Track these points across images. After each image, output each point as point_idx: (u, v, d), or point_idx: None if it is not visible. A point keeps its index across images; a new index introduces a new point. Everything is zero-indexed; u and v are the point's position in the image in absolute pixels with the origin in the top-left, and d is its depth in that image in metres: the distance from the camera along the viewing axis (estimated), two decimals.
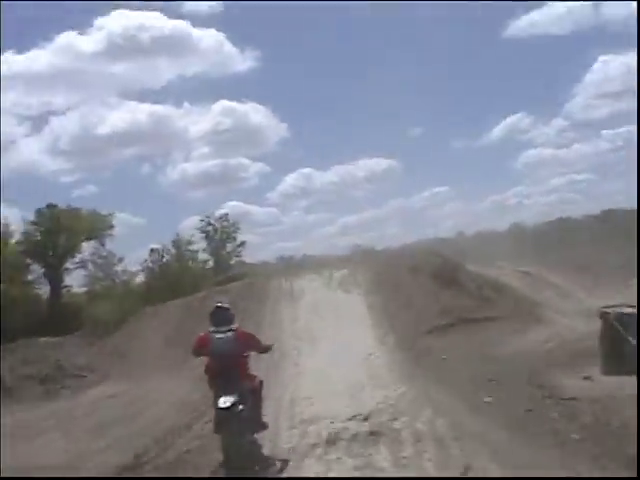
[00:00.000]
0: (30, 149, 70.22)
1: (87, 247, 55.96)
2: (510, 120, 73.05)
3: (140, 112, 72.27)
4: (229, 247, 60.00)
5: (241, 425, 9.17)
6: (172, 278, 57.67)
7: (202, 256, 59.95)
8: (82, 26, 77.89)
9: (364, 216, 70.81)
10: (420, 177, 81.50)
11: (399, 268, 23.84)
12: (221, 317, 9.84)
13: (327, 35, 79.82)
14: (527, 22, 71.64)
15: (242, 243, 60.64)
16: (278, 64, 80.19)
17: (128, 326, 24.97)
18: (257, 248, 75.32)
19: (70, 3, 74.37)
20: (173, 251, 60.77)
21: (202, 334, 9.95)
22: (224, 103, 70.54)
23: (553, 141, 76.24)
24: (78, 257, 55.41)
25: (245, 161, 71.70)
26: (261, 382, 10.21)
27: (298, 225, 72.08)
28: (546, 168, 76.79)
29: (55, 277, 53.42)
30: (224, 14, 74.17)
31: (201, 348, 9.87)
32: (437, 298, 21.19)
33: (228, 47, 77.18)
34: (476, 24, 74.98)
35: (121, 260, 59.45)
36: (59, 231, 53.13)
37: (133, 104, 73.97)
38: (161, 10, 78.31)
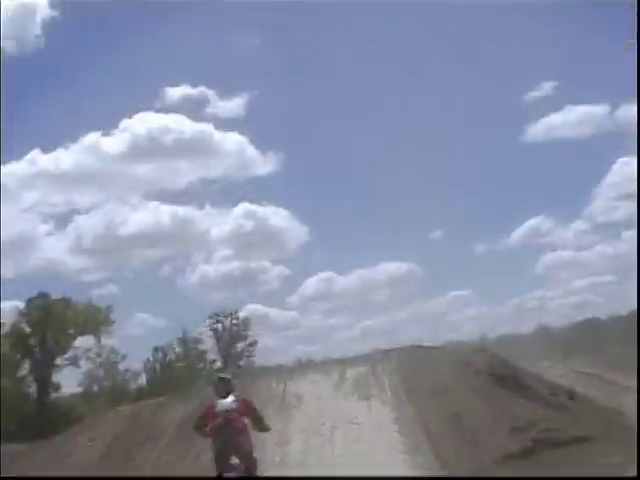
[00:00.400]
0: (53, 247, 67.67)
1: (82, 343, 49.44)
2: (530, 223, 68.77)
3: (162, 213, 68.80)
4: (239, 347, 54.49)
5: None
6: (174, 378, 51.71)
7: (210, 356, 54.27)
8: (107, 127, 75.79)
9: (383, 320, 66.44)
10: (440, 280, 75.31)
11: (439, 364, 16.33)
12: (223, 387, 10.19)
13: (348, 141, 76.54)
14: (545, 125, 66.59)
15: (253, 343, 54.48)
16: (299, 168, 77.40)
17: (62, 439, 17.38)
18: (276, 351, 71.86)
19: (96, 105, 72.19)
20: (178, 350, 55.02)
21: (208, 404, 10.27)
22: (246, 206, 66.50)
23: (573, 243, 71.77)
24: (70, 353, 48.49)
25: (266, 264, 68.54)
26: (255, 460, 10.13)
27: (318, 329, 67.42)
28: (567, 270, 72.60)
29: (42, 374, 46.09)
30: (246, 117, 69.90)
31: (204, 420, 10.09)
32: (501, 408, 13.64)
33: (250, 150, 70.25)
34: (494, 129, 73.65)
35: (124, 358, 53.38)
36: (48, 323, 46.07)
37: (155, 205, 69.20)
38: (184, 113, 74.40)
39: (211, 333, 54.38)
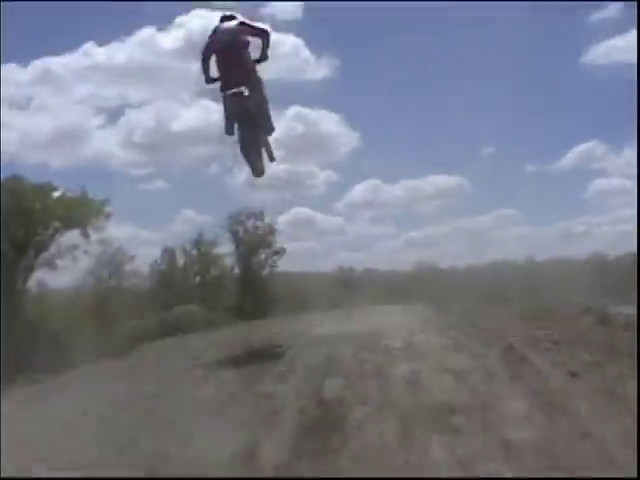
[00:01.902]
0: (103, 140, 65.28)
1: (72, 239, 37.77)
2: (583, 147, 63.82)
3: (213, 111, 63.60)
4: (262, 254, 42.78)
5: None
6: (179, 286, 40.33)
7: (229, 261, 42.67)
8: (162, 23, 77.95)
9: (428, 232, 62.10)
10: (488, 197, 73.31)
11: None
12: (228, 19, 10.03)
13: (406, 50, 70.18)
14: (607, 48, 63.02)
15: (279, 251, 42.30)
16: (354, 74, 70.45)
17: None
18: (319, 256, 68.18)
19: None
20: (192, 253, 43.07)
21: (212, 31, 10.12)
22: (297, 109, 60.24)
23: (625, 171, 64.14)
24: (53, 249, 36.67)
25: (314, 168, 64.22)
26: (260, 78, 10.20)
27: (362, 236, 64.02)
28: (616, 198, 65.72)
29: (7, 275, 34.15)
30: (304, 20, 63.84)
31: (210, 47, 9.90)
32: None
33: (305, 53, 69.24)
34: (554, 49, 67.78)
35: (132, 259, 41.54)
36: (19, 212, 34.10)
37: (207, 103, 64.58)
38: (241, 12, 67.62)
39: (230, 236, 42.34)
